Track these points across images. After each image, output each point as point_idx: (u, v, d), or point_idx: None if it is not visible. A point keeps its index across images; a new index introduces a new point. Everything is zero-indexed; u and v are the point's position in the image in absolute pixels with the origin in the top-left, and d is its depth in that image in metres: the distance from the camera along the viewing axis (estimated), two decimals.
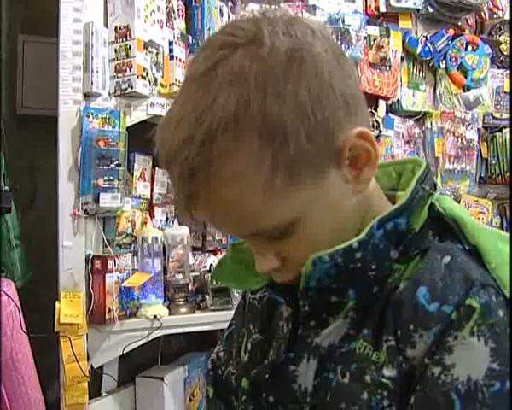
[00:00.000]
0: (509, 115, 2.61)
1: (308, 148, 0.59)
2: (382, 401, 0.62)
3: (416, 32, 2.55)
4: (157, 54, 1.84)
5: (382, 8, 2.41)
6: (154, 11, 1.82)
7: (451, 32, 2.55)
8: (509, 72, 2.66)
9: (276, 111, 0.58)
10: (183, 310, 1.85)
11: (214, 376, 0.91)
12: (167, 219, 1.97)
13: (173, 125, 0.60)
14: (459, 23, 2.63)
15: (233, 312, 1.94)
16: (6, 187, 1.71)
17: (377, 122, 2.35)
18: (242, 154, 0.58)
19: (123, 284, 1.75)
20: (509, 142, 2.57)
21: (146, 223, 1.83)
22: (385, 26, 2.41)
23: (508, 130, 2.60)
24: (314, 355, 0.69)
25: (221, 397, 0.89)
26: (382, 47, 2.39)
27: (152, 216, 1.89)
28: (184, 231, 1.86)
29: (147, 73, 1.78)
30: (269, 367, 0.74)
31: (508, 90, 2.65)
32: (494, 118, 2.64)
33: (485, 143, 2.64)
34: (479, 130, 2.61)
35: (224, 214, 0.63)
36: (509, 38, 2.64)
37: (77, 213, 1.68)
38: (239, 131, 0.58)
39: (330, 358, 0.68)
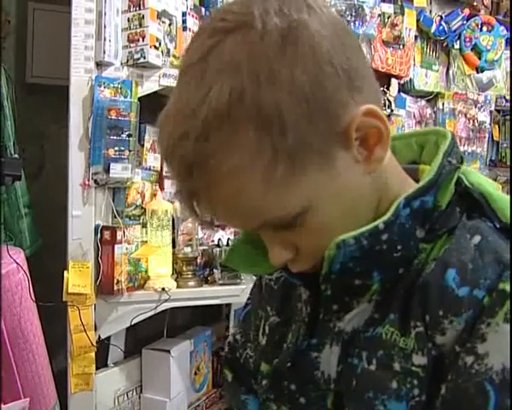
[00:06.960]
0: None
1: (309, 133, 0.56)
2: (412, 389, 0.59)
3: (431, 11, 2.52)
4: (170, 24, 1.81)
5: None
6: None
7: (467, 11, 2.53)
8: None
9: (271, 99, 0.54)
10: (191, 283, 1.84)
11: (232, 359, 0.89)
12: None
13: (170, 120, 0.58)
14: (474, 3, 2.61)
15: (241, 287, 1.92)
16: (16, 155, 1.70)
17: (389, 101, 2.33)
18: (239, 147, 0.55)
19: (131, 256, 1.75)
20: None
21: (156, 195, 1.82)
22: (399, 3, 2.39)
23: None
24: (337, 341, 0.66)
25: (240, 380, 0.87)
26: (396, 25, 2.36)
27: (162, 188, 1.87)
28: None
29: (159, 44, 1.75)
30: (290, 355, 0.71)
31: None
32: (507, 100, 2.61)
33: (496, 126, 2.62)
34: (491, 112, 2.60)
35: (227, 210, 0.60)
36: None
37: (87, 182, 1.67)
38: (234, 124, 0.54)
39: (354, 343, 0.65)
